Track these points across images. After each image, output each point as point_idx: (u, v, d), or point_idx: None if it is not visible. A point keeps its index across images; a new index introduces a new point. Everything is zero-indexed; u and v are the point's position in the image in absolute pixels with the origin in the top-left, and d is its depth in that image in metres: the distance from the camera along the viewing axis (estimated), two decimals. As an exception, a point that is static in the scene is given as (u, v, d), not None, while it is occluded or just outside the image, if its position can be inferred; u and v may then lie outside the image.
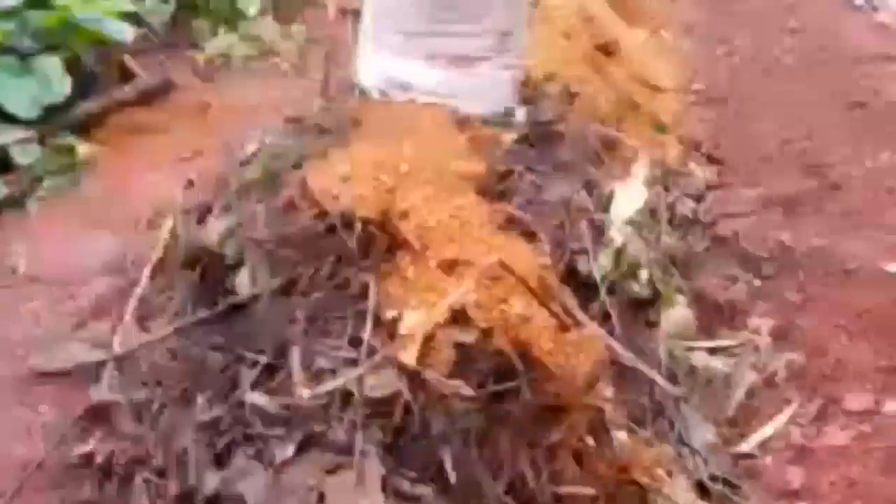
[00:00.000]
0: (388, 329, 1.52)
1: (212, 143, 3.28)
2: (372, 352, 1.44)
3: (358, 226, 1.63)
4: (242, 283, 1.70)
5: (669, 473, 1.93)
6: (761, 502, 1.98)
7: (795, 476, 2.06)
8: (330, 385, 1.37)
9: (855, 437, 2.12)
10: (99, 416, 1.85)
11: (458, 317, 1.56)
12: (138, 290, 2.29)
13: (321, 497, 1.31)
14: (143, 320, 2.25)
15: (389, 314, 1.52)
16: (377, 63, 2.55)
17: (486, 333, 1.56)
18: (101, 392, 1.84)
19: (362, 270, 1.65)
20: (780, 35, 4.11)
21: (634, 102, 3.59)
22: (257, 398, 1.47)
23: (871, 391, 2.22)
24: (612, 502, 1.76)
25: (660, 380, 1.80)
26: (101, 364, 1.99)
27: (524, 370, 1.51)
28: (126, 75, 3.38)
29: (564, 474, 1.65)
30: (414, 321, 1.48)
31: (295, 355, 1.50)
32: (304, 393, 1.35)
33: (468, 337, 1.52)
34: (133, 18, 3.42)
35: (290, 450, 1.36)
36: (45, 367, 1.99)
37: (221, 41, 3.80)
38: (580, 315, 1.70)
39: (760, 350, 2.44)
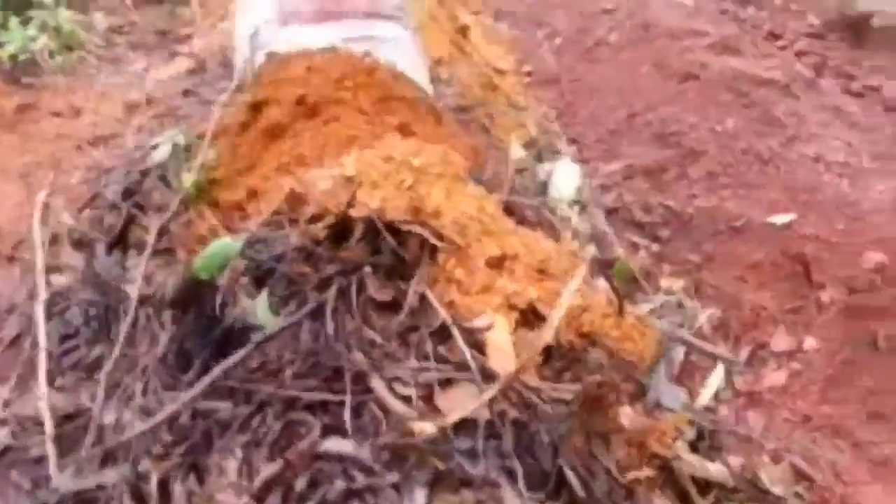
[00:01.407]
0: (467, 339, 1.37)
1: (50, 154, 2.76)
2: (485, 371, 1.29)
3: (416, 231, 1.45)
4: (264, 315, 1.42)
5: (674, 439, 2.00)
6: (741, 447, 2.14)
7: (754, 420, 2.26)
8: (458, 414, 1.20)
9: (790, 376, 2.36)
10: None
11: (526, 315, 1.47)
12: (42, 343, 1.87)
13: (470, 540, 1.15)
14: (53, 377, 1.85)
15: (474, 324, 1.37)
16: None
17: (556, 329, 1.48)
18: (67, 480, 1.44)
19: (406, 278, 1.48)
20: (597, 16, 4.39)
21: (493, 84, 3.64)
22: (348, 446, 1.24)
23: (788, 332, 2.48)
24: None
25: (722, 352, 1.84)
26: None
27: (606, 360, 1.46)
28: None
29: (625, 459, 1.63)
30: (502, 330, 1.36)
31: (378, 385, 1.29)
32: (427, 428, 1.16)
33: (549, 338, 1.43)
34: None
35: (420, 496, 1.17)
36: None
37: (18, 35, 3.16)
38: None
39: (684, 308, 2.63)
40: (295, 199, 1.62)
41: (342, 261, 1.48)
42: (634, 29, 4.13)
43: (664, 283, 2.78)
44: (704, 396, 2.39)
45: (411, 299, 1.41)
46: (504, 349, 1.33)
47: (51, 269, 2.21)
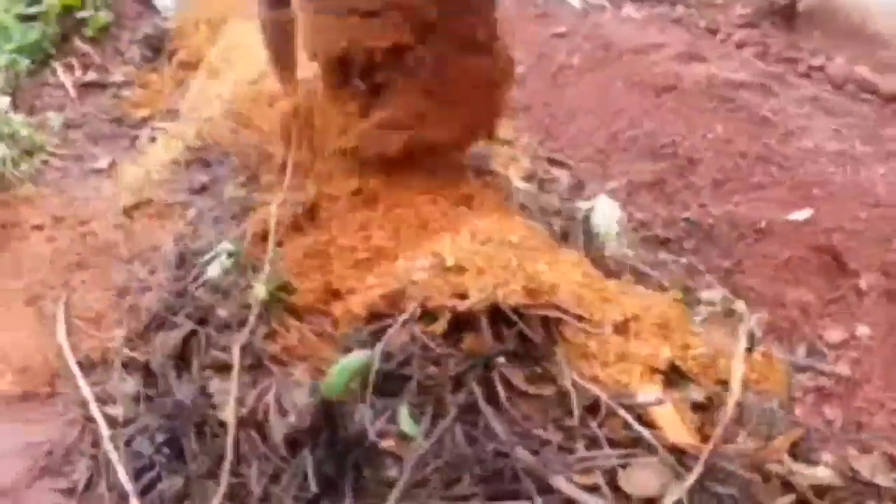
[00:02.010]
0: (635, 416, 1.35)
1: (51, 273, 2.61)
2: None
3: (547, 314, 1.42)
4: (408, 427, 1.37)
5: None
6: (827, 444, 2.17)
7: (832, 413, 2.30)
8: (670, 500, 1.17)
9: (852, 365, 2.42)
10: None
11: (668, 375, 1.46)
12: (129, 487, 1.76)
13: None
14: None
15: (639, 400, 1.35)
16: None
17: (697, 383, 1.48)
18: None
19: (538, 361, 1.45)
20: (551, 41, 4.45)
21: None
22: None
23: (837, 322, 2.55)
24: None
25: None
26: None
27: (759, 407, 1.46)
28: None
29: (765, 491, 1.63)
30: (667, 404, 1.34)
31: (560, 481, 1.25)
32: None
33: (699, 395, 1.43)
34: None
35: None
36: None
37: (-21, 149, 3.00)
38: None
39: (734, 316, 2.66)
40: (393, 296, 1.57)
41: (468, 355, 1.44)
42: (595, 49, 4.19)
43: (704, 294, 2.82)
44: (779, 398, 2.44)
45: (565, 384, 1.38)
46: (675, 421, 1.32)
47: (100, 400, 2.10)
